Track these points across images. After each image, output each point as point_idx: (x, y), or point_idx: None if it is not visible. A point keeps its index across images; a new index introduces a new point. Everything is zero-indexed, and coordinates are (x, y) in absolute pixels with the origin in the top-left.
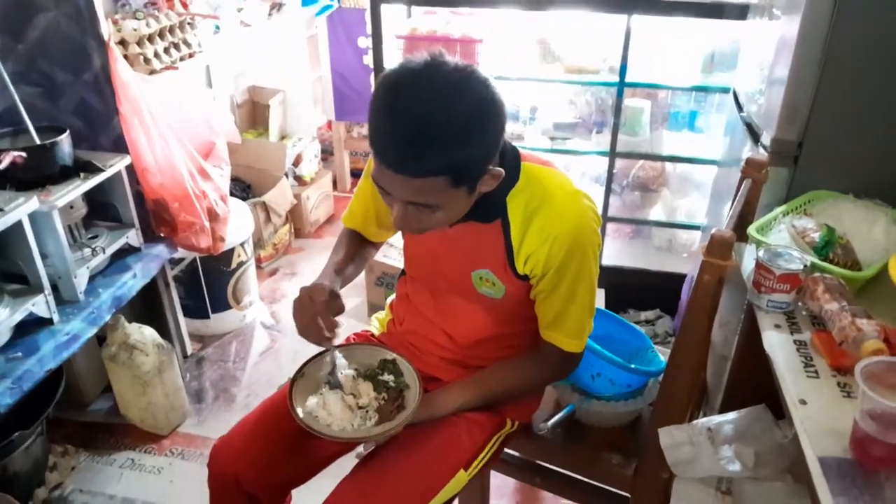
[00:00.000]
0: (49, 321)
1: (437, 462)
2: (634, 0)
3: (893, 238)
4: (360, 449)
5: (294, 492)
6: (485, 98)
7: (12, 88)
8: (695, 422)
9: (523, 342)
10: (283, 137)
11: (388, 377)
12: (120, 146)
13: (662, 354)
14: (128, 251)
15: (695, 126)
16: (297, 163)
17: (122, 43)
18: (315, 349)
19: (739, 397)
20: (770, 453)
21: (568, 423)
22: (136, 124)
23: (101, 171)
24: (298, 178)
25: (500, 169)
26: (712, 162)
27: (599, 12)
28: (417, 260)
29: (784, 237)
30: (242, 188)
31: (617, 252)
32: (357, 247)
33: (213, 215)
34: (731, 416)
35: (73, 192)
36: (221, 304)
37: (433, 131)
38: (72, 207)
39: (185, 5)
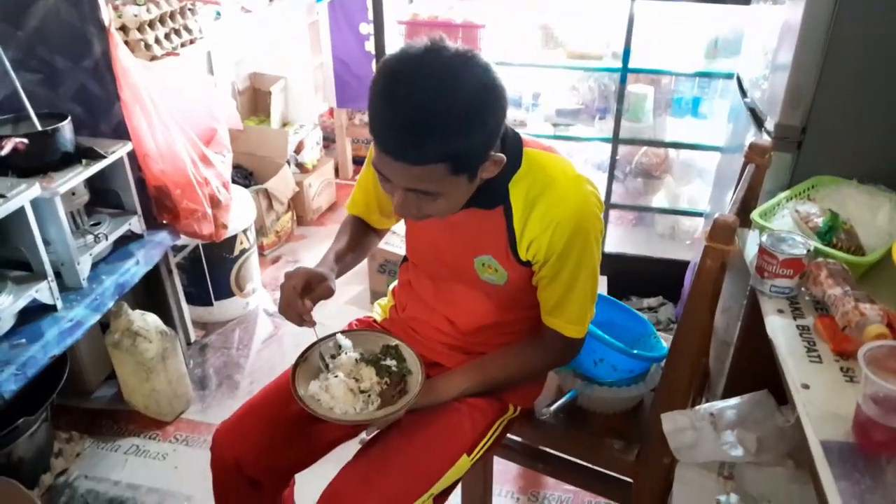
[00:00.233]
0: (52, 308)
1: (439, 447)
2: None
3: None
4: (363, 435)
5: (297, 476)
6: (485, 84)
7: (13, 75)
8: (697, 407)
9: (525, 328)
10: (284, 124)
11: (390, 362)
12: (121, 133)
13: (665, 340)
14: (130, 238)
15: (698, 112)
16: (298, 150)
17: (123, 29)
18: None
19: (741, 383)
20: (772, 438)
21: (570, 408)
22: (138, 111)
23: (102, 157)
24: (300, 166)
25: (502, 155)
26: (716, 148)
27: None
28: (420, 247)
29: (787, 222)
30: (244, 175)
31: (620, 239)
32: (359, 234)
33: (215, 202)
34: (734, 401)
35: (74, 178)
36: (224, 292)
37: (433, 119)
38: (74, 194)
39: None
